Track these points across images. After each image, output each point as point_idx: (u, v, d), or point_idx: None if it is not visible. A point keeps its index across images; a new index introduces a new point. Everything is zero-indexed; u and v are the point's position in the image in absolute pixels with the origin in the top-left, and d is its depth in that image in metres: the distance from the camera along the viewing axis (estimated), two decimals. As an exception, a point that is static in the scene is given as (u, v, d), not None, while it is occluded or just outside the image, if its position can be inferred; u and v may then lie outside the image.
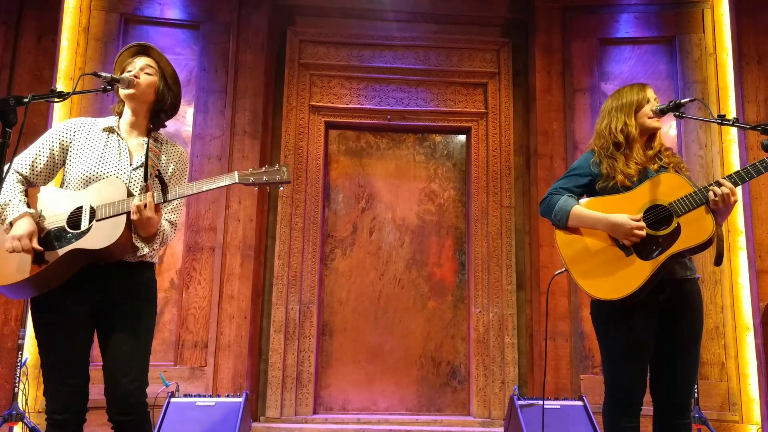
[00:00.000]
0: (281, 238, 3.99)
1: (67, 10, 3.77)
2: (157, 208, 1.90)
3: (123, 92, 2.02)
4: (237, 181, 1.93)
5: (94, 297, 1.92)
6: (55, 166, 2.02)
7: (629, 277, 1.98)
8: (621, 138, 2.13)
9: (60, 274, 1.87)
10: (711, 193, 1.97)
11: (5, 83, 3.54)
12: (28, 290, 1.89)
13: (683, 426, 2.05)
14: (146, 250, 1.97)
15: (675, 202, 2.01)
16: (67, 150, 2.01)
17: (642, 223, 2.00)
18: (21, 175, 1.97)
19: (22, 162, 1.98)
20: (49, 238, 1.88)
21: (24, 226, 1.84)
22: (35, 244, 1.84)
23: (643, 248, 2.01)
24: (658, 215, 2.03)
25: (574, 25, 4.13)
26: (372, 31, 4.23)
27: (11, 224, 1.86)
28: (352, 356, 4.06)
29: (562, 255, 2.11)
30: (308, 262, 4.00)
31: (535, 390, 3.77)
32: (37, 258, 1.84)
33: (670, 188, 2.04)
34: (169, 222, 2.06)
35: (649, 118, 2.15)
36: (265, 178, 1.95)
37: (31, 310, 1.95)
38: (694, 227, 1.97)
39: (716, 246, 2.03)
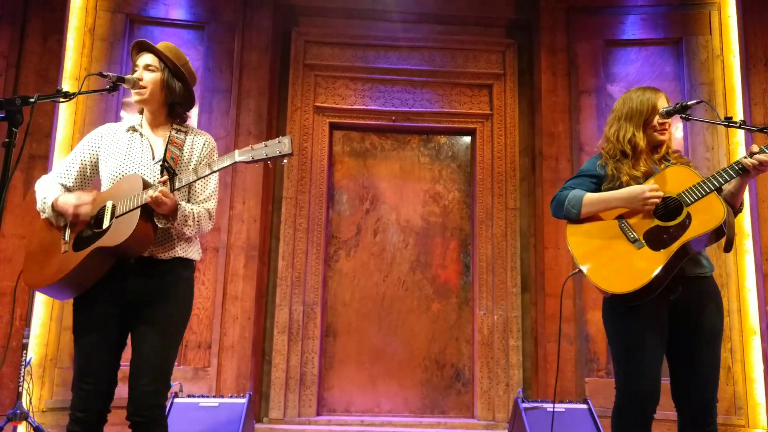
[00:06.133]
0: (285, 239, 3.98)
1: (73, 10, 3.78)
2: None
3: (133, 99, 2.08)
4: (237, 159, 1.89)
5: (123, 298, 1.94)
6: (87, 175, 2.09)
7: (643, 268, 1.94)
8: (628, 148, 2.12)
9: (90, 274, 1.91)
10: (752, 157, 1.93)
11: (11, 83, 3.56)
12: (66, 290, 1.95)
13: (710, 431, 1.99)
14: (187, 232, 2.02)
15: (684, 192, 2.00)
16: (97, 157, 2.08)
17: (656, 186, 1.99)
18: (57, 183, 2.06)
19: (57, 172, 2.08)
20: (79, 239, 1.93)
21: (71, 197, 1.95)
22: (86, 210, 1.95)
23: (654, 240, 1.98)
24: (667, 207, 2.02)
25: (579, 25, 4.11)
26: (377, 32, 4.22)
27: (53, 207, 1.96)
28: (356, 358, 4.05)
29: (573, 254, 2.07)
30: (312, 263, 3.99)
31: (539, 393, 3.75)
32: (69, 259, 1.89)
33: (677, 180, 2.04)
34: (207, 210, 2.09)
35: (656, 131, 2.13)
36: (265, 153, 1.87)
37: (73, 309, 2.00)
38: (705, 214, 1.96)
39: (726, 232, 1.99)
